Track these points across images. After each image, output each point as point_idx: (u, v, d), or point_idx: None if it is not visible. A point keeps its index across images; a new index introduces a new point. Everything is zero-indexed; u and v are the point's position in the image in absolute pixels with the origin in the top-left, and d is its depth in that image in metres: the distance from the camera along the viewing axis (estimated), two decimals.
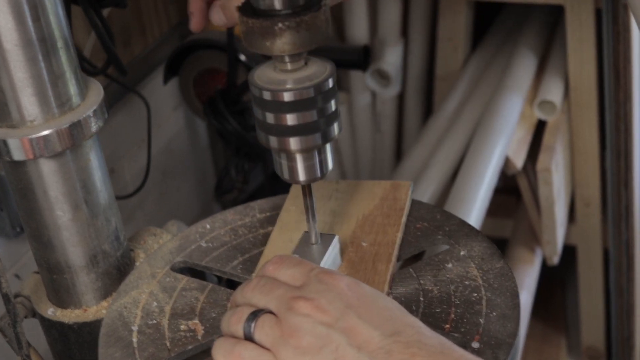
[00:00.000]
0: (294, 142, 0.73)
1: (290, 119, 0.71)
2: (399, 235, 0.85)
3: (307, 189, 0.78)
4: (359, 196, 0.90)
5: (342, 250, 0.83)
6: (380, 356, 0.62)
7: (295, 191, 0.93)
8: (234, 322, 0.67)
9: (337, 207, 0.89)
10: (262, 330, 0.66)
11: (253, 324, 0.66)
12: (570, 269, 1.93)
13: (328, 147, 0.76)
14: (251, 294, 0.69)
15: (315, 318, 0.64)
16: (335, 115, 0.74)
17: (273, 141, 0.73)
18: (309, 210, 0.79)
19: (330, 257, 0.80)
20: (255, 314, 0.66)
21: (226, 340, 0.67)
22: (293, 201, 0.91)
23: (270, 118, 0.72)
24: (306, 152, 0.74)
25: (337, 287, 0.66)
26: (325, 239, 0.81)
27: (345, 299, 0.65)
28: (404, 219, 0.87)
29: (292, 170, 0.76)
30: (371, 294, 0.66)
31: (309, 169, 0.76)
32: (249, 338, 0.66)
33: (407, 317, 0.65)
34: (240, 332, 0.67)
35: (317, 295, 0.65)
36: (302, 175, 0.76)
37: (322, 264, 0.78)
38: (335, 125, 0.74)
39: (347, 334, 0.63)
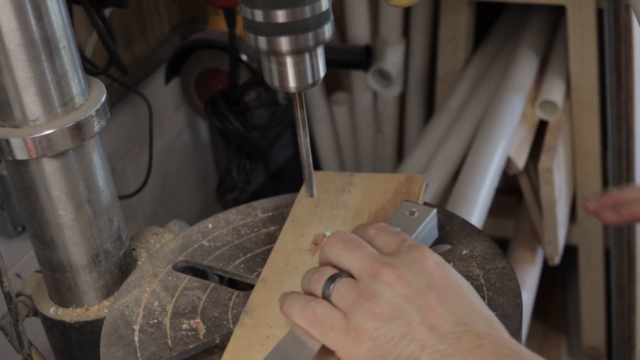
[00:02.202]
0: (284, 42, 0.70)
1: (281, 16, 0.68)
2: None
3: (297, 98, 0.75)
4: (373, 190, 0.90)
5: None
6: (449, 341, 0.62)
7: None
8: (315, 280, 0.69)
9: (350, 200, 0.89)
10: (339, 292, 0.67)
11: (332, 286, 0.67)
12: (571, 269, 1.93)
13: (320, 51, 0.73)
14: (336, 248, 0.69)
15: (396, 289, 0.64)
16: (327, 15, 0.70)
17: (262, 42, 0.70)
18: (300, 123, 0.76)
19: (425, 229, 0.79)
20: (335, 278, 0.67)
21: (301, 296, 0.69)
22: (305, 194, 0.90)
23: (259, 15, 0.69)
24: (297, 54, 0.71)
25: (425, 264, 0.66)
26: (423, 211, 0.80)
27: (430, 278, 0.65)
28: None
29: (282, 75, 0.72)
30: (455, 279, 0.67)
31: (300, 73, 0.72)
32: (325, 296, 0.68)
33: (484, 310, 0.66)
34: (318, 291, 0.68)
35: (403, 267, 0.66)
36: (292, 81, 0.73)
37: (414, 236, 0.77)
38: (327, 27, 0.71)
39: (422, 312, 0.64)
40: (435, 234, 0.82)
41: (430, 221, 0.80)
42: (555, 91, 1.66)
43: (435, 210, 0.81)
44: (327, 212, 0.88)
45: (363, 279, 0.66)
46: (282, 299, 0.71)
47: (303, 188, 0.92)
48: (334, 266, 0.70)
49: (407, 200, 0.82)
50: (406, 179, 0.90)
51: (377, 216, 0.86)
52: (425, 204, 0.85)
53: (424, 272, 0.65)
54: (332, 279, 0.67)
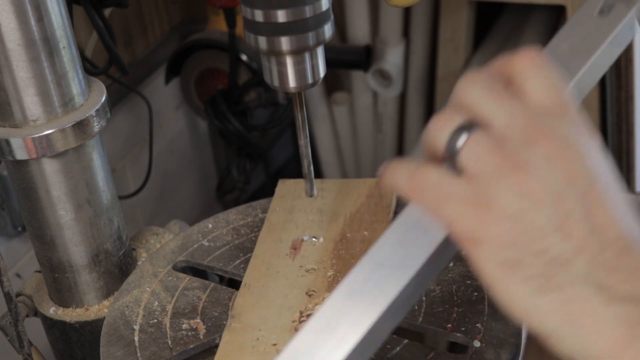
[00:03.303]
0: (284, 42, 0.70)
1: (281, 16, 0.68)
2: None
3: (297, 98, 0.75)
4: (345, 194, 0.91)
5: (333, 248, 0.83)
6: (613, 250, 0.46)
7: (280, 191, 0.93)
8: (439, 125, 0.50)
9: (323, 205, 0.90)
10: (474, 148, 0.47)
11: (465, 137, 0.48)
12: None
13: (320, 51, 0.73)
14: (475, 88, 0.50)
15: (557, 165, 0.46)
16: (327, 15, 0.71)
17: (262, 42, 0.70)
18: (300, 123, 0.76)
19: (621, 32, 0.62)
20: (470, 128, 0.48)
21: (409, 162, 0.51)
22: (279, 202, 0.91)
23: (259, 15, 0.69)
24: (297, 53, 0.71)
25: (590, 146, 0.48)
26: (618, 8, 0.64)
27: (596, 166, 0.48)
28: (391, 216, 0.87)
29: (282, 75, 0.73)
30: (613, 176, 0.49)
31: (300, 73, 0.72)
32: (451, 152, 0.48)
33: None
34: (442, 139, 0.49)
35: (567, 138, 0.47)
36: (292, 81, 0.73)
37: (609, 40, 0.60)
38: (327, 27, 0.71)
39: (587, 205, 0.46)
40: (632, 34, 0.63)
41: (629, 21, 0.62)
42: None
43: (635, 8, 0.62)
44: (302, 217, 0.88)
45: (513, 140, 0.47)
46: (382, 169, 0.52)
47: (275, 195, 0.92)
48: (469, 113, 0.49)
49: None
50: (377, 183, 0.91)
51: (352, 220, 0.87)
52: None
53: (589, 156, 0.47)
54: (466, 127, 0.48)
